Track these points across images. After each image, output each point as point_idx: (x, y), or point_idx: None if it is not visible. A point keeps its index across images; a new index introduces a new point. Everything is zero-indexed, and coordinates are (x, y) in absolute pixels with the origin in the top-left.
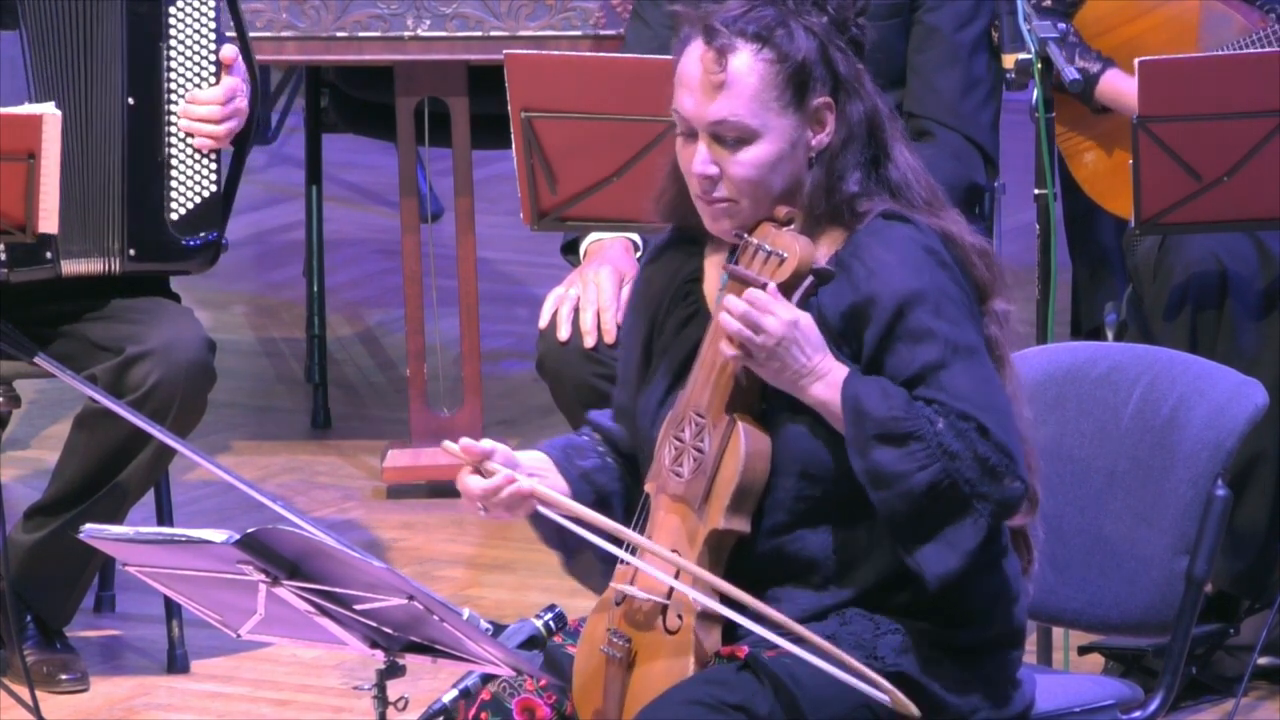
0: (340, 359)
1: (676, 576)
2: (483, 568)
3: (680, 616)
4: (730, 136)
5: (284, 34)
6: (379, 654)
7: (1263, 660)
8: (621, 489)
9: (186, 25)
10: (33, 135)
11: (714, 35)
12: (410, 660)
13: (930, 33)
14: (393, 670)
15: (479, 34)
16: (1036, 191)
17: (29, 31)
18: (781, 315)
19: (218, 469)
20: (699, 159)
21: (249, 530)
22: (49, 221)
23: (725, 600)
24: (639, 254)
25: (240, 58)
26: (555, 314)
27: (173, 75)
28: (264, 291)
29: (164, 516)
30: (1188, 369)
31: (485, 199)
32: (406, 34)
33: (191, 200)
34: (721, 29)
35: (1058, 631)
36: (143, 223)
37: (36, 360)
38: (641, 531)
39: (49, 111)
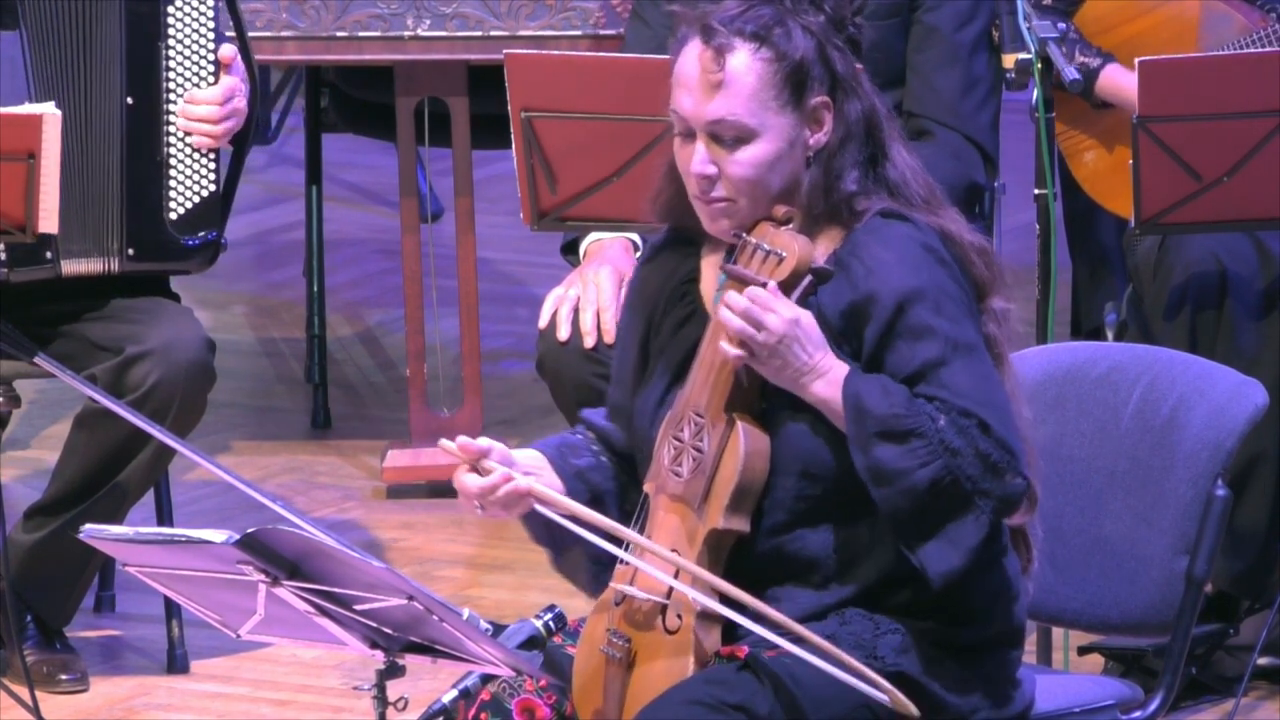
0: (340, 359)
1: (676, 576)
2: (482, 568)
3: (680, 616)
4: (728, 136)
5: (284, 34)
6: (379, 654)
7: (1263, 660)
8: (616, 488)
9: (185, 25)
10: (33, 135)
11: (712, 35)
12: (410, 660)
13: (930, 32)
14: (392, 670)
15: (479, 34)
16: (1036, 191)
17: (29, 31)
18: (783, 313)
19: (218, 469)
20: (697, 159)
21: (249, 530)
22: (49, 221)
23: (725, 600)
24: (639, 254)
25: (239, 57)
26: (555, 314)
27: (171, 75)
28: (264, 291)
29: (164, 516)
30: (1188, 369)
31: (485, 199)
32: (406, 34)
33: (190, 200)
34: (719, 28)
35: (1058, 631)
36: (142, 222)
37: (36, 360)
38: (641, 531)
39: (49, 111)
